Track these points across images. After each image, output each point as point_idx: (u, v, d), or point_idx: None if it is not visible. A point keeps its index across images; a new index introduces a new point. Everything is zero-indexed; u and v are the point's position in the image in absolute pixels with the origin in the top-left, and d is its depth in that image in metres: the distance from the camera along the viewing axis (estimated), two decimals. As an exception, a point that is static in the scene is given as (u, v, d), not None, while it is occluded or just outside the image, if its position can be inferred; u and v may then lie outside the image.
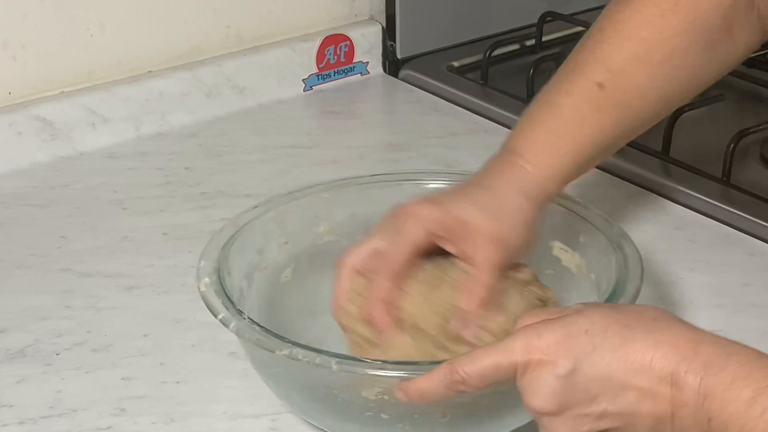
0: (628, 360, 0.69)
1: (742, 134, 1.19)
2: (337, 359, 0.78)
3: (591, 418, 0.71)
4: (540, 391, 0.71)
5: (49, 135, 1.27)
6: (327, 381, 0.81)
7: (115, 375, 0.95)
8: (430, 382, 0.74)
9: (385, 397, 0.79)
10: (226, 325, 0.82)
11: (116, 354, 0.97)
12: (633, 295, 0.83)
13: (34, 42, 1.26)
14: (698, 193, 1.17)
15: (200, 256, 0.89)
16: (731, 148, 1.18)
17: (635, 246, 0.88)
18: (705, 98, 1.27)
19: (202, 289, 0.85)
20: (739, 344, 0.69)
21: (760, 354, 0.68)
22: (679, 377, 0.68)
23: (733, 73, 1.36)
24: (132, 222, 1.16)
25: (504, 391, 0.77)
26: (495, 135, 1.31)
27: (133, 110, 1.31)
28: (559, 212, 0.93)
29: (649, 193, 1.19)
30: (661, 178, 1.20)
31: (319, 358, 0.78)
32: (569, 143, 0.89)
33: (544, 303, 0.86)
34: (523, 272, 0.87)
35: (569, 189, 0.92)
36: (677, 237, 1.12)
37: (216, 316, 0.83)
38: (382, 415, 0.81)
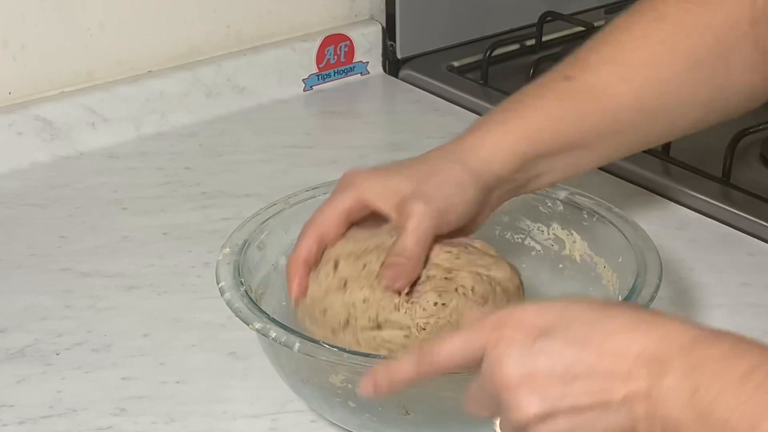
0: (605, 338, 0.66)
1: (742, 134, 1.19)
2: (300, 341, 0.79)
3: (558, 392, 0.66)
4: (509, 362, 0.67)
5: (49, 135, 1.27)
6: (303, 363, 0.82)
7: (115, 375, 0.95)
8: (399, 366, 0.72)
9: (349, 385, 0.80)
10: (221, 293, 0.85)
11: (116, 354, 0.97)
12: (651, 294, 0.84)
13: (34, 42, 1.26)
14: (698, 193, 1.17)
15: (237, 227, 0.91)
16: (731, 148, 1.18)
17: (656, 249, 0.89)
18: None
19: (219, 258, 0.88)
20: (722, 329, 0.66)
21: (752, 339, 0.65)
22: (662, 353, 0.64)
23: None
24: (132, 222, 1.16)
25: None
26: (495, 135, 1.31)
27: (133, 110, 1.31)
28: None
29: (649, 193, 1.19)
30: (661, 178, 1.20)
31: (285, 337, 0.79)
32: (520, 124, 0.87)
33: (488, 280, 0.84)
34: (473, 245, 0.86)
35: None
36: (677, 237, 1.12)
37: (217, 284, 0.86)
38: (349, 402, 0.81)
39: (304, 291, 0.86)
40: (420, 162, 0.87)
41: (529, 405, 0.66)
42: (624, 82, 0.89)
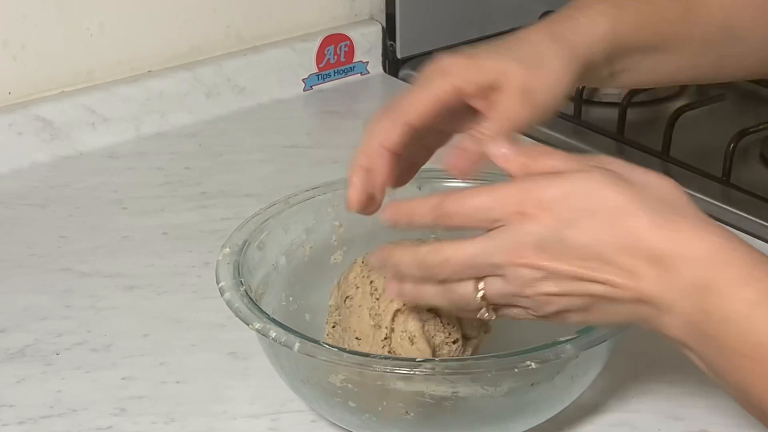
0: (619, 234, 0.67)
1: (742, 134, 1.19)
2: (300, 341, 0.78)
3: (561, 282, 0.69)
4: (520, 240, 0.68)
5: (49, 135, 1.27)
6: (303, 363, 0.82)
7: (115, 375, 0.95)
8: (420, 206, 0.72)
9: (349, 385, 0.80)
10: (221, 293, 0.84)
11: (116, 354, 0.97)
12: None
13: (34, 42, 1.26)
14: (698, 193, 1.17)
15: (237, 227, 0.91)
16: (731, 148, 1.18)
17: None
18: (705, 98, 1.27)
19: (219, 258, 0.87)
20: (747, 243, 0.67)
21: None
22: (673, 262, 0.66)
23: (733, 73, 1.37)
24: (132, 222, 1.16)
25: (466, 396, 0.78)
26: (495, 135, 1.31)
27: (133, 110, 1.31)
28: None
29: (649, 193, 1.19)
30: (661, 178, 1.20)
31: (285, 337, 0.79)
32: (614, 13, 0.84)
33: None
34: None
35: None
36: (677, 237, 1.12)
37: (217, 284, 0.85)
38: (349, 402, 0.81)
39: (377, 201, 0.80)
40: (519, 41, 0.82)
41: (540, 282, 0.69)
42: None
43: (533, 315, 0.72)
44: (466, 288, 0.72)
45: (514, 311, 0.73)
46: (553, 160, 0.71)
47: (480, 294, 0.71)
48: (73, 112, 1.28)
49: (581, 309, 0.70)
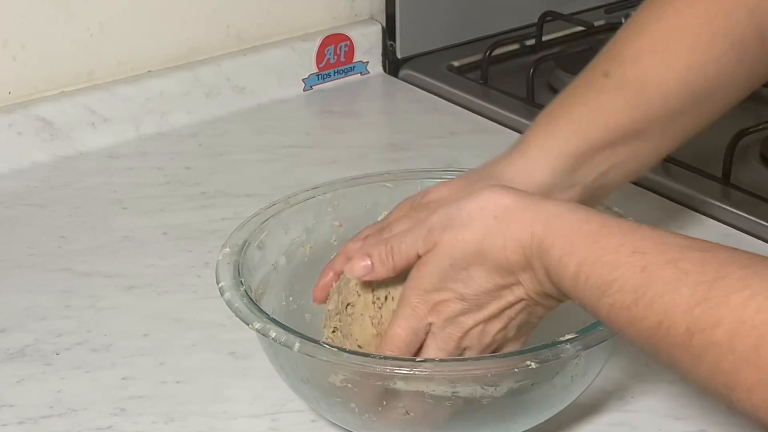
0: (488, 266, 0.77)
1: (742, 134, 1.19)
2: (300, 340, 0.79)
3: (457, 308, 0.79)
4: (424, 272, 0.79)
5: (49, 135, 1.27)
6: (303, 363, 0.82)
7: (115, 375, 0.95)
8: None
9: (349, 385, 0.80)
10: (221, 293, 0.84)
11: (116, 354, 0.97)
12: None
13: (34, 42, 1.26)
14: (698, 192, 1.17)
15: (237, 227, 0.91)
16: (731, 148, 1.18)
17: None
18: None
19: (219, 258, 0.88)
20: (580, 210, 0.75)
21: (587, 218, 0.73)
22: (530, 264, 0.75)
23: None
24: (132, 222, 1.16)
25: (466, 396, 0.78)
26: (495, 135, 1.31)
27: (133, 110, 1.31)
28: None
29: (650, 193, 1.19)
30: (661, 178, 1.20)
31: (285, 337, 0.79)
32: (566, 122, 0.87)
33: None
34: None
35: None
36: (677, 237, 1.12)
37: (217, 284, 0.85)
38: (349, 403, 0.81)
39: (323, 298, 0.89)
40: (486, 178, 0.86)
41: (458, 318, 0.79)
42: (668, 69, 0.88)
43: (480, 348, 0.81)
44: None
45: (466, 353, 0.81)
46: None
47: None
48: (73, 112, 1.28)
49: (509, 327, 0.80)
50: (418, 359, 0.79)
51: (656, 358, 0.69)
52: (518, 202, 0.76)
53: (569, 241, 0.73)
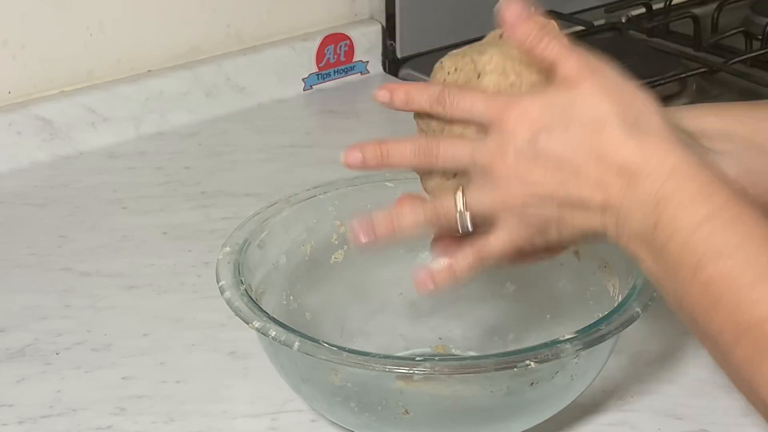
0: (593, 146, 0.71)
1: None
2: (300, 340, 0.78)
3: (540, 192, 0.72)
4: (502, 150, 0.73)
5: (48, 134, 1.27)
6: (302, 362, 0.82)
7: (115, 374, 0.95)
8: (418, 89, 0.79)
9: (349, 384, 0.80)
10: (221, 292, 0.84)
11: (116, 353, 0.97)
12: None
13: (34, 42, 1.26)
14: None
15: (238, 226, 0.91)
16: (731, 147, 1.18)
17: None
18: (705, 98, 1.27)
19: (219, 257, 0.88)
20: (713, 163, 0.71)
21: (726, 180, 0.69)
22: (638, 175, 0.70)
23: (733, 72, 1.36)
24: (132, 221, 1.16)
25: (466, 396, 0.78)
26: (495, 134, 1.31)
27: (133, 110, 1.31)
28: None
29: None
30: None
31: (284, 337, 0.79)
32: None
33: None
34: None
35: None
36: (677, 236, 1.12)
37: (217, 283, 0.85)
38: (349, 402, 0.81)
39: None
40: None
41: (510, 187, 0.73)
42: None
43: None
44: (448, 200, 0.76)
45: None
46: (554, 48, 0.80)
47: (460, 204, 0.75)
48: (73, 112, 1.28)
49: (553, 219, 0.73)
50: (417, 359, 0.79)
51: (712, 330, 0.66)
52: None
53: (711, 185, 0.69)
